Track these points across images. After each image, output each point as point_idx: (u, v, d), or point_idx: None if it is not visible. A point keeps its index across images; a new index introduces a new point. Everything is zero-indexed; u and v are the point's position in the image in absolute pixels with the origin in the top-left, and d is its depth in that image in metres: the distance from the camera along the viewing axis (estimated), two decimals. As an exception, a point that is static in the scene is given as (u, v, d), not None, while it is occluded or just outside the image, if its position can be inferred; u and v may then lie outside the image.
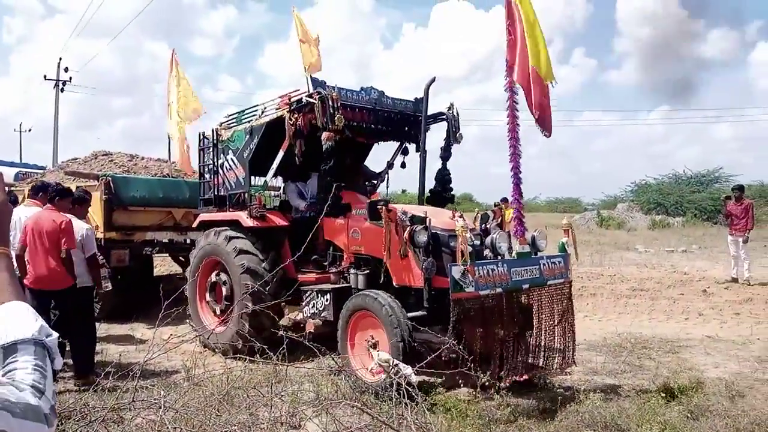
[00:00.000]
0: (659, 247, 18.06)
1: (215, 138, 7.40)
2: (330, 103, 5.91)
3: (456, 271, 4.68)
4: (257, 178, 7.39)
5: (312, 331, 6.06)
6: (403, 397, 4.13)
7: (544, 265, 5.26)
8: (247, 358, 4.94)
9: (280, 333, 4.48)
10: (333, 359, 4.57)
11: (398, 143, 7.45)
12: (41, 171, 12.40)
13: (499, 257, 5.30)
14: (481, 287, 4.75)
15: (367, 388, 4.96)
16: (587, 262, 12.76)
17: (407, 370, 4.56)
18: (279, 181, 8.02)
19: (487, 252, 5.37)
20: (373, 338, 5.19)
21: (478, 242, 5.43)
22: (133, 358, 5.41)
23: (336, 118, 5.87)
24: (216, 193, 7.38)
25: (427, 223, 5.26)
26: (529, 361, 5.25)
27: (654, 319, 8.89)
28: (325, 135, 5.95)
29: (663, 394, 4.88)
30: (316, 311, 5.97)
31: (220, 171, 7.32)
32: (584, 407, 4.55)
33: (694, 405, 4.68)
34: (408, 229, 5.17)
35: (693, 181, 35.11)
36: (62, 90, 30.44)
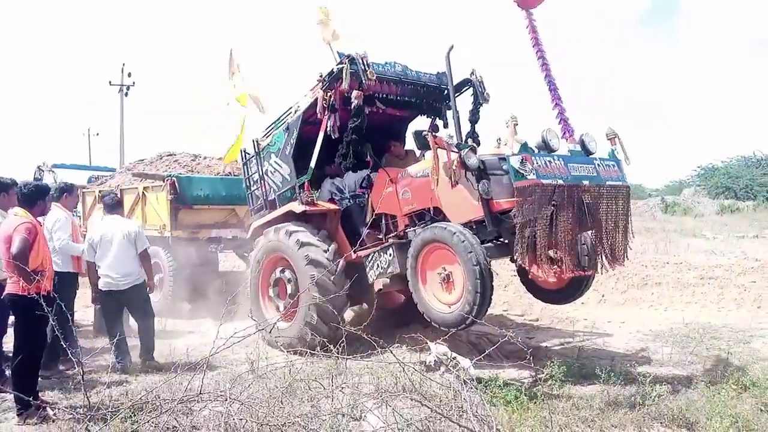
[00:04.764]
0: (728, 232, 17.29)
1: (256, 148, 7.58)
2: (359, 61, 6.09)
3: (514, 161, 4.62)
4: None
5: (381, 288, 6.09)
6: (463, 390, 4.14)
7: (599, 165, 5.11)
8: (308, 351, 5.06)
9: (342, 327, 4.53)
10: (392, 353, 4.58)
11: (429, 120, 7.42)
12: (111, 173, 12.90)
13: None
14: (542, 176, 4.67)
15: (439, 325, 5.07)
16: (651, 250, 12.37)
17: (465, 362, 4.57)
18: None
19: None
20: (445, 270, 5.08)
21: None
22: (199, 353, 5.61)
23: (368, 72, 6.03)
24: (266, 198, 7.53)
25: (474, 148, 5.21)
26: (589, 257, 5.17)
27: (723, 308, 8.58)
28: (355, 93, 6.09)
29: (734, 386, 4.71)
30: (382, 269, 5.93)
31: (266, 177, 7.47)
32: (650, 399, 4.45)
33: (767, 397, 4.49)
34: (456, 154, 5.10)
35: (764, 162, 33.42)
36: (126, 94, 31.71)
